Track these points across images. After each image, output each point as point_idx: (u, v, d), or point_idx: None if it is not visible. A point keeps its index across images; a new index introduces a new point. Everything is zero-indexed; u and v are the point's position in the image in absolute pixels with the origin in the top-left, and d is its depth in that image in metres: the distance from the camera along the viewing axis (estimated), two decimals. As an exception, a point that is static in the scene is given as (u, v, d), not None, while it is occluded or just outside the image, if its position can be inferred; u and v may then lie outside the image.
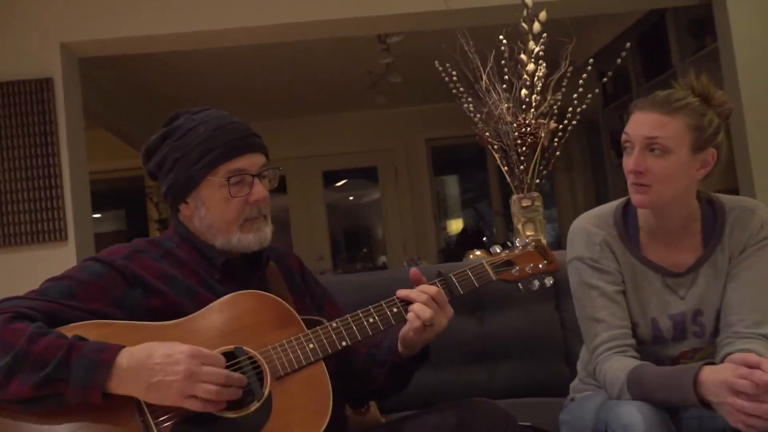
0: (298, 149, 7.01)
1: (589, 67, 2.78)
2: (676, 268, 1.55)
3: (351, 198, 8.02)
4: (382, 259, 7.48)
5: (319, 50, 5.13)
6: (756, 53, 3.86)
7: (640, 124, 1.47)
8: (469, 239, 6.27)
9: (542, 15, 2.82)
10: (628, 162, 1.51)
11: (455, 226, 8.26)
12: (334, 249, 7.49)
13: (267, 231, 1.47)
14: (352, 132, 7.19)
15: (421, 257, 4.46)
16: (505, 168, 2.67)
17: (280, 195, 7.38)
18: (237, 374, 1.24)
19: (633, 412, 1.31)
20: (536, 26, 2.79)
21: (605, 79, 2.99)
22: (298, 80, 6.14)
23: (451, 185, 8.66)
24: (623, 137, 1.53)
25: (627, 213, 1.61)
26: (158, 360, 1.20)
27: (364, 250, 7.88)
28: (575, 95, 2.76)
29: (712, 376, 1.27)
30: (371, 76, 5.65)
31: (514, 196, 2.63)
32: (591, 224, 1.59)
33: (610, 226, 1.59)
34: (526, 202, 2.59)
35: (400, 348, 1.43)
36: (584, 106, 2.81)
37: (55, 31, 3.66)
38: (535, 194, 2.62)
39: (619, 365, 1.44)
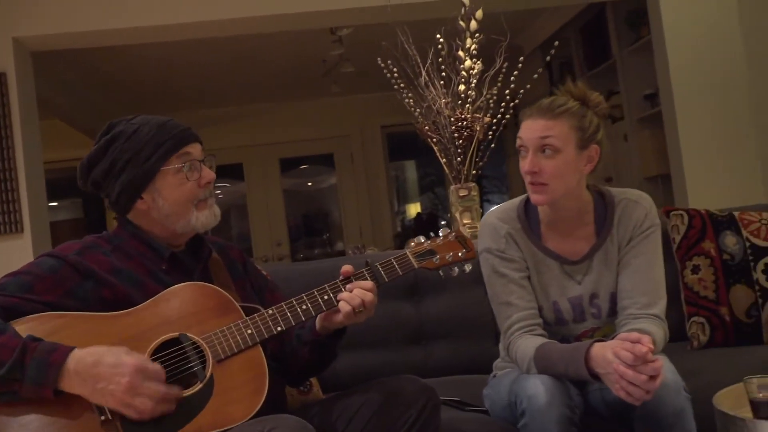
0: (254, 137, 7.10)
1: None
2: (572, 256, 1.72)
3: (309, 184, 8.13)
4: (341, 244, 7.63)
5: (273, 40, 5.22)
6: (686, 45, 4.06)
7: (531, 129, 1.64)
8: (424, 224, 6.43)
9: (479, 13, 2.96)
10: (524, 164, 1.66)
11: (414, 210, 8.43)
12: (292, 235, 7.60)
13: (217, 208, 1.63)
14: (308, 119, 7.29)
15: (368, 245, 4.62)
16: (444, 160, 2.83)
17: (237, 182, 7.47)
18: (175, 390, 1.37)
19: (537, 384, 1.49)
20: (473, 24, 2.93)
21: (540, 70, 3.12)
22: (253, 69, 6.22)
23: (410, 170, 8.81)
24: (518, 143, 1.69)
25: (528, 207, 1.77)
26: (104, 368, 1.33)
27: (326, 235, 8.00)
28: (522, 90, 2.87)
29: (600, 351, 1.44)
30: (325, 65, 5.76)
31: (452, 187, 2.79)
32: (497, 219, 1.76)
33: (514, 219, 1.75)
34: (463, 192, 2.75)
35: (318, 327, 1.58)
36: (522, 92, 2.93)
37: (7, 26, 3.70)
38: (472, 184, 2.78)
39: (528, 343, 1.61)
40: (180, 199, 1.55)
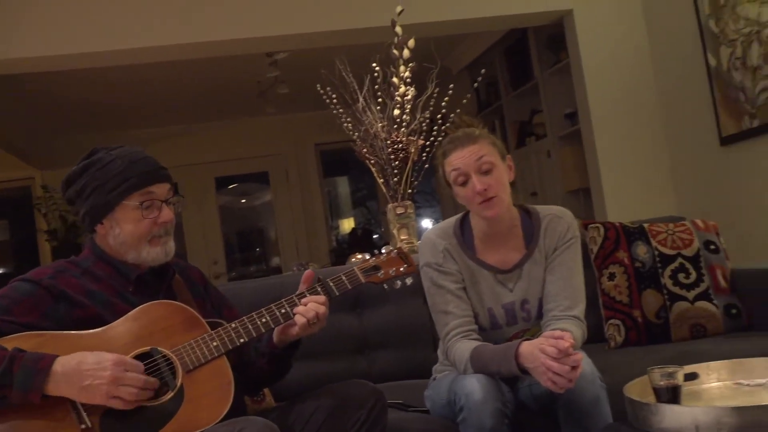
0: (190, 156, 7.15)
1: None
2: (504, 266, 1.93)
3: (243, 201, 8.20)
4: (276, 260, 7.73)
5: (209, 62, 5.32)
6: (602, 67, 4.38)
7: (465, 156, 1.85)
8: (358, 239, 6.61)
9: (411, 42, 3.16)
10: (472, 188, 1.85)
11: (347, 225, 8.60)
12: (228, 251, 7.66)
13: (171, 245, 1.76)
14: (243, 138, 7.38)
15: (310, 261, 4.78)
16: (381, 180, 3.02)
17: (172, 201, 7.48)
18: (152, 379, 1.52)
19: (473, 382, 1.68)
20: (406, 53, 3.14)
21: (469, 96, 3.35)
22: (189, 90, 6.29)
23: (343, 186, 8.98)
24: (454, 175, 1.88)
25: (464, 225, 1.98)
26: (88, 366, 1.47)
27: (257, 249, 8.08)
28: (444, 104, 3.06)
29: (528, 348, 1.65)
30: (260, 86, 5.89)
31: (390, 205, 2.97)
32: (435, 236, 1.96)
33: (451, 236, 1.95)
34: (400, 210, 2.95)
35: (275, 339, 1.73)
36: (458, 110, 3.13)
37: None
38: (408, 203, 2.98)
39: (464, 346, 1.81)
40: (135, 233, 1.68)
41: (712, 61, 3.89)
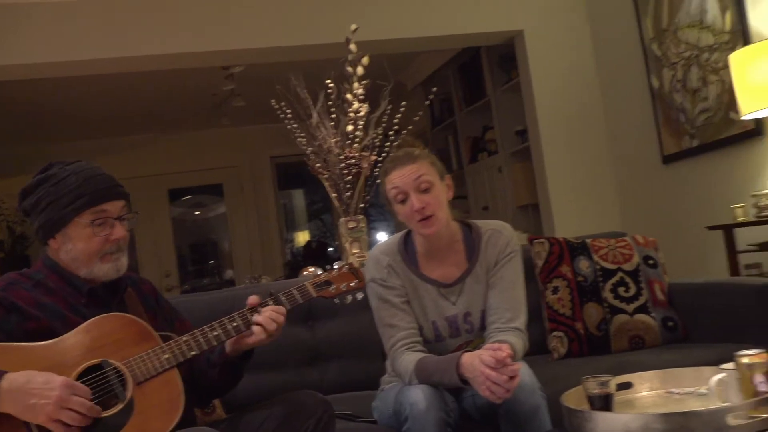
0: (144, 168, 7.09)
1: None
2: (446, 280, 2.00)
3: (197, 213, 8.16)
4: (230, 273, 7.70)
5: (163, 74, 5.32)
6: (551, 87, 4.52)
7: (405, 175, 1.92)
8: (313, 252, 6.64)
9: (365, 60, 3.22)
10: (411, 206, 1.92)
11: (303, 238, 8.61)
12: (181, 264, 7.60)
13: (123, 262, 1.78)
14: (198, 150, 7.36)
15: (263, 274, 4.79)
16: (334, 194, 3.07)
17: (124, 213, 7.40)
18: (97, 407, 1.52)
19: (417, 393, 1.74)
20: (360, 70, 3.20)
21: (427, 102, 3.38)
22: (145, 101, 6.26)
23: (298, 198, 9.00)
24: (394, 192, 1.95)
25: (407, 241, 2.05)
26: (35, 386, 1.47)
27: (211, 262, 8.04)
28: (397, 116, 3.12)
29: (469, 359, 1.71)
30: (215, 99, 5.90)
31: (342, 219, 3.03)
32: (380, 253, 2.03)
33: (395, 253, 2.02)
34: (352, 224, 3.00)
35: (228, 349, 1.77)
36: (410, 127, 3.20)
37: None
38: (360, 217, 3.03)
39: (409, 358, 1.87)
40: (86, 250, 1.70)
41: (655, 83, 4.04)
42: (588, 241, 2.70)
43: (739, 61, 3.02)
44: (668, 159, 3.99)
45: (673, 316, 2.56)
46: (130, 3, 3.93)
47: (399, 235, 2.08)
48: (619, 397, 1.69)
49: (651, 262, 2.65)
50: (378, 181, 3.06)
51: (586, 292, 2.56)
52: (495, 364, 1.63)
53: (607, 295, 2.56)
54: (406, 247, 2.04)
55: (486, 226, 2.06)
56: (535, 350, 2.60)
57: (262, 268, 7.02)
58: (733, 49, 3.28)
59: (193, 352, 1.67)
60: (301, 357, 2.47)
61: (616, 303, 2.54)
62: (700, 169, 3.77)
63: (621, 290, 2.57)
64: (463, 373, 1.72)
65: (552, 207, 4.45)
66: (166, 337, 1.70)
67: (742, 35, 3.40)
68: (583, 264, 2.61)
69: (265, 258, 7.42)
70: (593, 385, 1.53)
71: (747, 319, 2.38)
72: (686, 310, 2.57)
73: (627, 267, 2.62)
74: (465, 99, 5.91)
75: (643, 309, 2.54)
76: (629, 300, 2.56)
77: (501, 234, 2.03)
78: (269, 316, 1.71)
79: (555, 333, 2.54)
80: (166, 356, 1.64)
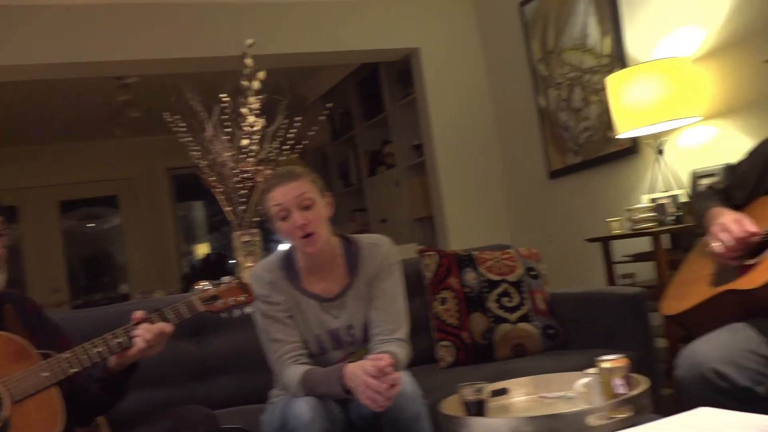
0: (34, 179, 6.82)
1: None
2: (328, 294, 2.06)
3: (90, 225, 7.89)
4: (125, 287, 7.49)
5: (55, 83, 5.16)
6: (446, 103, 4.66)
7: (288, 192, 1.96)
8: (211, 265, 6.55)
9: (261, 74, 3.24)
10: (293, 223, 1.97)
11: (203, 250, 8.47)
12: (72, 278, 7.33)
13: (1, 279, 1.73)
14: (91, 161, 7.13)
15: (157, 288, 4.70)
16: (228, 208, 3.07)
17: (10, 226, 7.08)
18: None
19: (302, 405, 1.78)
20: (256, 84, 3.21)
21: (322, 117, 3.41)
22: (33, 111, 6.03)
23: (198, 210, 8.85)
24: (276, 209, 1.98)
25: (290, 258, 2.10)
26: None
27: (104, 276, 7.79)
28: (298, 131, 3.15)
29: (352, 369, 1.77)
30: (109, 109, 5.75)
31: (236, 233, 3.03)
32: (261, 270, 2.07)
33: (277, 269, 2.06)
34: (246, 238, 3.00)
35: (112, 363, 1.75)
36: (305, 142, 3.22)
37: None
38: (255, 230, 3.04)
39: (295, 371, 1.91)
40: None
41: (542, 102, 4.24)
42: (475, 253, 2.81)
43: (614, 83, 3.22)
44: (554, 174, 4.19)
45: (554, 324, 2.70)
46: (21, 11, 3.81)
47: (281, 251, 2.13)
48: (495, 402, 1.78)
49: (533, 273, 2.79)
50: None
51: (473, 303, 2.66)
52: (376, 373, 1.69)
53: (492, 305, 2.67)
54: (288, 263, 2.08)
55: (365, 240, 2.13)
56: (424, 359, 2.70)
57: (159, 282, 6.86)
58: (611, 71, 3.49)
59: (73, 369, 1.65)
60: (189, 371, 2.46)
61: (501, 313, 2.66)
62: (582, 184, 3.98)
63: (505, 300, 2.69)
64: (347, 383, 1.77)
65: (446, 220, 4.58)
66: (46, 354, 1.68)
67: (619, 59, 3.62)
68: (470, 276, 2.71)
69: (161, 271, 7.26)
70: (468, 392, 1.61)
71: (618, 326, 2.54)
72: (566, 319, 2.72)
73: (511, 278, 2.74)
74: (364, 113, 6.00)
75: (525, 318, 2.67)
76: (512, 309, 2.68)
77: (380, 247, 2.10)
78: (148, 329, 1.71)
79: (442, 343, 2.63)
80: (46, 374, 1.61)
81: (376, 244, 2.11)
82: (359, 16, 4.53)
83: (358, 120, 6.11)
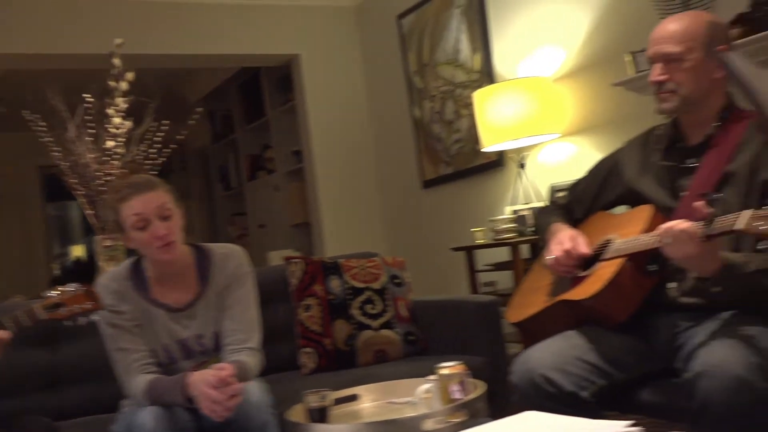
0: None
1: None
2: (178, 304, 2.04)
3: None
4: (-13, 290, 7.08)
5: None
6: (325, 112, 4.70)
7: (148, 202, 1.94)
8: (83, 268, 6.32)
9: (130, 75, 3.16)
10: (152, 233, 1.93)
11: (79, 251, 8.15)
12: None
13: None
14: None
15: (24, 291, 4.48)
16: (90, 211, 2.98)
17: None
18: None
19: (146, 414, 1.77)
20: (123, 85, 3.14)
21: (192, 122, 3.33)
22: None
23: (74, 210, 8.49)
24: (134, 219, 1.93)
25: (138, 267, 2.07)
26: None
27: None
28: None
29: (194, 378, 1.77)
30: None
31: (98, 237, 2.94)
32: (107, 280, 2.04)
33: (124, 279, 2.04)
34: (108, 243, 2.93)
35: None
36: (175, 146, 3.15)
37: None
38: (117, 235, 2.97)
39: (141, 380, 1.89)
40: None
41: (417, 114, 4.36)
42: (341, 261, 2.86)
43: (480, 98, 3.36)
44: (427, 184, 4.31)
45: (415, 330, 2.78)
46: None
47: (128, 261, 2.10)
48: (343, 409, 1.82)
49: (397, 281, 2.86)
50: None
51: (336, 310, 2.70)
52: (217, 383, 1.70)
53: (356, 312, 2.72)
54: (136, 273, 2.06)
55: (218, 249, 2.12)
56: (288, 366, 2.72)
57: (26, 286, 6.54)
58: (481, 86, 3.63)
59: None
60: (40, 381, 2.37)
61: (363, 319, 2.71)
62: (453, 194, 4.11)
63: (368, 307, 2.74)
64: (189, 392, 1.76)
65: (322, 226, 4.62)
66: None
67: (488, 75, 3.78)
68: (335, 283, 2.75)
69: (29, 274, 6.92)
70: (312, 399, 1.65)
71: (474, 332, 2.65)
72: (427, 325, 2.80)
73: (375, 285, 2.80)
74: (246, 117, 5.96)
75: (387, 325, 2.74)
76: (375, 316, 2.74)
77: (232, 257, 2.11)
78: None
79: (305, 349, 2.65)
80: None
81: (228, 253, 2.11)
82: (239, 20, 4.50)
83: (239, 123, 6.06)
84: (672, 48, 1.73)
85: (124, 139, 3.03)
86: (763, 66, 2.36)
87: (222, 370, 1.71)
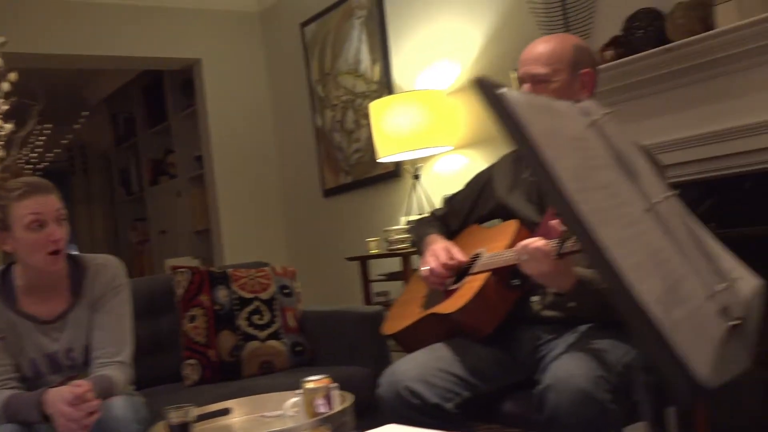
0: None
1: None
2: (48, 316, 1.97)
3: None
4: None
5: None
6: (226, 117, 4.64)
7: (47, 204, 1.89)
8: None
9: (12, 75, 3.04)
10: (47, 235, 1.87)
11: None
12: None
13: None
14: None
15: None
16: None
17: None
18: None
19: (1, 433, 1.70)
20: (5, 86, 3.02)
21: (77, 126, 3.22)
22: None
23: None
24: (31, 218, 1.86)
25: (6, 277, 2.00)
26: None
27: None
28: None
29: (51, 395, 1.71)
30: None
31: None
32: None
33: None
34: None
35: None
36: (59, 150, 3.07)
37: None
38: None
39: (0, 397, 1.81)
40: None
41: (319, 122, 4.36)
42: (230, 271, 2.83)
43: (377, 109, 3.38)
44: (328, 193, 4.31)
45: (303, 341, 2.77)
46: None
47: None
48: (213, 424, 1.80)
49: (287, 291, 2.85)
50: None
51: (222, 320, 2.67)
52: (73, 400, 1.65)
53: (242, 322, 2.69)
54: (3, 282, 1.98)
55: (92, 260, 2.07)
56: (171, 378, 2.68)
57: None
58: (380, 97, 3.66)
59: None
60: None
61: (250, 330, 2.69)
62: (352, 203, 4.13)
63: (255, 318, 2.72)
64: (46, 409, 1.71)
65: (222, 234, 4.55)
66: None
67: (387, 86, 3.82)
68: (222, 293, 2.72)
69: None
70: (174, 415, 1.62)
71: (360, 342, 2.67)
72: (315, 336, 2.81)
73: (263, 296, 2.78)
74: (148, 120, 5.83)
75: (274, 335, 2.72)
76: (262, 327, 2.72)
77: (107, 268, 2.05)
78: None
79: (189, 361, 2.61)
80: None
81: (103, 264, 2.06)
82: (140, 22, 4.40)
83: (141, 127, 5.92)
84: (539, 69, 1.80)
85: (3, 142, 2.92)
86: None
87: (78, 387, 1.66)
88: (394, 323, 2.04)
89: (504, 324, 1.82)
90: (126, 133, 6.27)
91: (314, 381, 1.66)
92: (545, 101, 0.74)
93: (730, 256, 0.96)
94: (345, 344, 2.73)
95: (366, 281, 3.42)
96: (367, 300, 3.42)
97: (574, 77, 1.80)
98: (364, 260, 3.43)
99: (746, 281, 0.88)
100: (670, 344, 0.57)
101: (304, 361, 2.76)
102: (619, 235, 0.67)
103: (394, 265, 3.39)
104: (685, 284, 0.71)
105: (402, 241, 3.23)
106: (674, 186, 2.30)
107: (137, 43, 4.42)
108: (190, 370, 2.60)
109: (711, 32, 2.18)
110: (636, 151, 0.99)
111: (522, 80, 1.85)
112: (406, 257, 3.15)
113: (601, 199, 0.68)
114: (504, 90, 0.67)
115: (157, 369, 2.70)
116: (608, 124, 0.86)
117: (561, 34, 1.95)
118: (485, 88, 0.69)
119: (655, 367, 0.62)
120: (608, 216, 0.68)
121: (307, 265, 4.29)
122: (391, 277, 3.35)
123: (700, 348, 0.60)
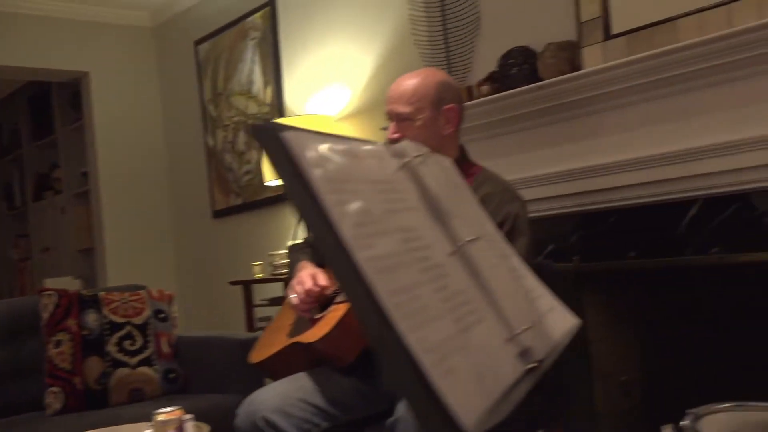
0: None
1: None
2: None
3: None
4: None
5: None
6: (114, 133, 4.51)
7: None
8: None
9: None
10: None
11: None
12: None
13: None
14: None
15: None
16: None
17: None
18: None
19: None
20: None
21: None
22: None
23: None
24: None
25: None
26: None
27: None
28: None
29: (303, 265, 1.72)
30: None
31: None
32: None
33: None
34: None
35: None
36: None
37: None
38: None
39: None
40: None
41: (211, 142, 4.29)
42: (101, 294, 2.73)
43: (264, 133, 3.36)
44: (218, 214, 4.25)
45: (176, 368, 2.70)
46: None
47: None
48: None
49: (162, 315, 2.78)
50: None
51: (90, 346, 2.58)
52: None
53: (112, 348, 2.60)
54: None
55: None
56: (33, 407, 2.55)
57: None
58: (271, 120, 3.64)
59: None
60: None
61: (120, 356, 2.60)
62: (241, 226, 4.07)
63: (127, 344, 2.64)
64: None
65: (106, 254, 4.40)
66: None
67: (279, 109, 3.81)
68: (91, 317, 2.62)
69: None
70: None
71: (234, 369, 2.62)
72: (190, 362, 2.74)
73: (137, 320, 2.70)
74: (34, 133, 5.59)
75: (146, 362, 2.64)
76: (134, 353, 2.63)
77: None
78: None
79: (52, 388, 2.50)
80: None
81: None
82: (28, 31, 4.23)
83: (26, 139, 5.67)
84: (402, 109, 1.83)
85: None
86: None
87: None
88: (261, 351, 2.01)
89: (367, 353, 1.82)
90: (10, 145, 5.99)
91: (165, 413, 1.62)
92: (347, 145, 0.74)
93: (549, 295, 0.99)
94: (219, 371, 2.67)
95: (249, 306, 3.37)
96: (250, 325, 3.38)
97: (437, 114, 1.84)
98: (247, 284, 3.38)
99: (561, 320, 0.91)
100: (434, 391, 0.58)
101: (176, 389, 2.69)
102: (410, 280, 0.68)
103: (278, 290, 3.36)
104: (480, 327, 0.72)
105: (286, 266, 3.20)
106: (543, 219, 2.40)
107: (21, 53, 4.26)
108: (53, 398, 2.49)
109: (576, 73, 2.28)
110: (458, 192, 1.01)
111: (389, 117, 1.88)
112: (288, 282, 3.12)
113: (393, 243, 0.69)
114: (287, 133, 0.68)
115: (18, 397, 2.58)
116: (422, 166, 0.88)
117: (427, 69, 1.98)
118: (262, 131, 0.69)
119: (412, 412, 0.63)
120: (400, 260, 0.69)
121: (193, 289, 4.21)
122: (274, 302, 3.32)
123: (476, 394, 0.61)
